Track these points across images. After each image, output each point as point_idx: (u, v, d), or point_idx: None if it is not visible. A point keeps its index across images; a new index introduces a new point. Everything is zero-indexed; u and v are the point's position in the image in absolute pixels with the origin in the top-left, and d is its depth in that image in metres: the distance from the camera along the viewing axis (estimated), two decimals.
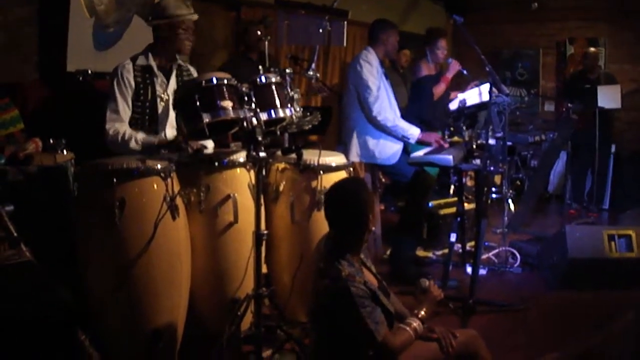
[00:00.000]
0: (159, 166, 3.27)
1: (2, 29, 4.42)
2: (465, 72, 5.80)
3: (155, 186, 3.25)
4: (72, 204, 3.45)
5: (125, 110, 3.73)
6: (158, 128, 3.82)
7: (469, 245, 5.65)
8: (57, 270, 3.12)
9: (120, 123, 3.70)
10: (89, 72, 4.72)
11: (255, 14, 6.38)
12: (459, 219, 5.12)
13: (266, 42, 4.97)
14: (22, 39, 4.55)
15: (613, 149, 8.42)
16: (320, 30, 4.71)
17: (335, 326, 2.81)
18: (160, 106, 3.82)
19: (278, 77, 3.55)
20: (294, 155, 3.58)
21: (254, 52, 5.84)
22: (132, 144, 3.67)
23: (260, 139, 3.24)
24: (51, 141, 4.08)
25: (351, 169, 4.04)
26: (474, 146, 4.89)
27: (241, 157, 3.62)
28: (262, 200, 3.38)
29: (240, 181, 3.62)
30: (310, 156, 3.77)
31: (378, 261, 5.07)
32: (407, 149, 5.19)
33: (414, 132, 5.12)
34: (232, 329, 3.34)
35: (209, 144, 4.00)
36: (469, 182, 7.48)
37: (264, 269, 3.52)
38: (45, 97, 4.59)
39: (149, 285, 3.23)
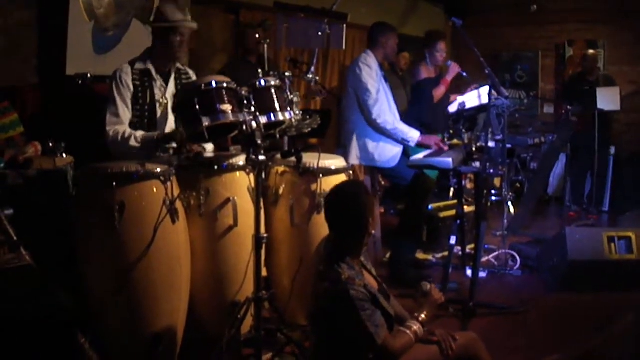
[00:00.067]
0: (158, 170, 3.27)
1: (2, 33, 4.42)
2: (464, 74, 5.80)
3: (155, 190, 3.25)
4: (72, 208, 3.45)
5: (125, 112, 3.73)
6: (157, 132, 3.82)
7: (469, 248, 5.65)
8: (57, 274, 3.12)
9: (120, 125, 3.70)
10: (89, 75, 4.71)
11: (255, 17, 6.39)
12: (458, 221, 5.12)
13: (265, 45, 4.97)
14: (21, 42, 4.55)
15: (613, 150, 8.42)
16: (320, 34, 4.71)
17: (335, 329, 2.80)
18: (159, 110, 3.82)
19: (277, 81, 3.55)
20: (293, 159, 3.58)
21: (253, 55, 5.85)
22: (132, 142, 3.65)
23: (259, 142, 3.24)
24: (51, 145, 4.08)
25: (351, 172, 4.04)
26: (474, 149, 4.88)
27: (241, 160, 3.63)
28: (261, 204, 3.38)
29: (239, 184, 3.62)
30: (310, 159, 3.77)
31: (378, 264, 5.07)
32: (406, 152, 5.19)
33: (413, 135, 5.12)
34: (232, 332, 3.34)
35: (209, 147, 4.00)
36: (469, 185, 7.48)
37: (264, 272, 3.52)
38: (45, 100, 4.59)
39: (148, 289, 3.23)
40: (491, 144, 4.72)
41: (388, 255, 5.50)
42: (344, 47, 5.18)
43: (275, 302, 3.75)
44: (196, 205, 3.52)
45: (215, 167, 3.57)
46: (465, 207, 5.53)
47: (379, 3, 7.90)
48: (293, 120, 3.64)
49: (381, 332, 2.74)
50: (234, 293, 3.59)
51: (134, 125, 3.77)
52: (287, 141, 4.34)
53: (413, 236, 5.41)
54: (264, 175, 3.50)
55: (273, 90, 3.48)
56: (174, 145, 3.67)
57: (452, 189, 7.51)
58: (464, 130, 5.14)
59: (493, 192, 7.61)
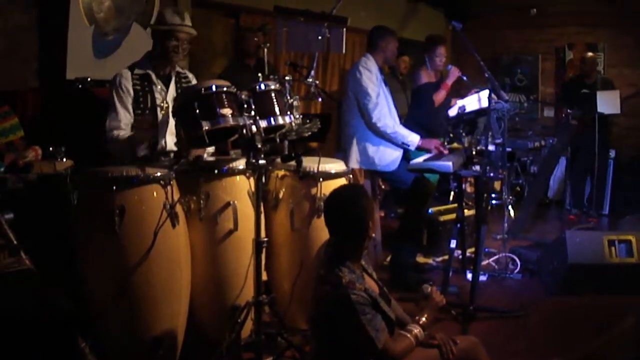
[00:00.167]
0: (158, 174, 3.28)
1: (2, 36, 4.43)
2: (465, 78, 5.81)
3: (155, 194, 3.25)
4: (72, 212, 3.45)
5: (126, 117, 3.72)
6: (158, 136, 3.82)
7: (469, 251, 5.65)
8: (57, 278, 3.12)
9: (118, 131, 3.70)
10: (89, 79, 4.72)
11: (255, 21, 6.40)
12: (458, 225, 5.11)
13: (265, 49, 4.98)
14: (21, 45, 4.55)
15: (612, 154, 8.40)
16: (319, 38, 4.71)
17: (336, 333, 2.80)
18: (160, 114, 3.82)
19: (277, 85, 3.56)
20: (293, 163, 3.58)
21: (252, 58, 5.86)
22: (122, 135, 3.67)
23: (259, 146, 3.24)
24: (51, 149, 4.09)
25: (351, 175, 4.04)
26: (474, 152, 4.89)
27: (241, 164, 3.63)
28: (262, 208, 3.38)
29: (239, 189, 3.62)
30: (310, 163, 3.77)
31: (378, 268, 5.06)
32: (406, 156, 5.19)
33: (413, 138, 5.12)
34: (232, 336, 3.34)
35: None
36: (469, 189, 7.48)
37: (264, 277, 3.52)
38: (45, 104, 4.59)
39: (149, 293, 3.23)
40: (491, 147, 4.72)
41: (388, 258, 5.49)
42: (343, 51, 5.16)
43: (275, 306, 3.75)
44: (196, 209, 3.52)
45: (215, 171, 3.57)
46: (466, 210, 5.53)
47: (378, 7, 7.92)
48: (293, 124, 3.64)
49: (381, 336, 2.74)
50: (234, 297, 3.59)
51: (135, 130, 3.77)
52: (287, 145, 4.33)
53: (413, 240, 5.41)
54: (264, 179, 3.50)
55: (273, 94, 3.48)
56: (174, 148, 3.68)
57: (452, 193, 7.50)
58: (464, 134, 5.14)
59: (493, 195, 7.60)
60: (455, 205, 5.71)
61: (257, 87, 3.44)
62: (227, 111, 3.21)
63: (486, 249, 5.91)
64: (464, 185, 6.18)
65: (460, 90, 6.24)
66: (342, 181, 3.88)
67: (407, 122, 5.62)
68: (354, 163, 5.20)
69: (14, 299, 2.89)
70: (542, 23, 9.57)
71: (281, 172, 3.88)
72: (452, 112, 5.37)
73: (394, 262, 5.27)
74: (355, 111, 5.17)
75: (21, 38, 4.54)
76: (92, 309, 3.24)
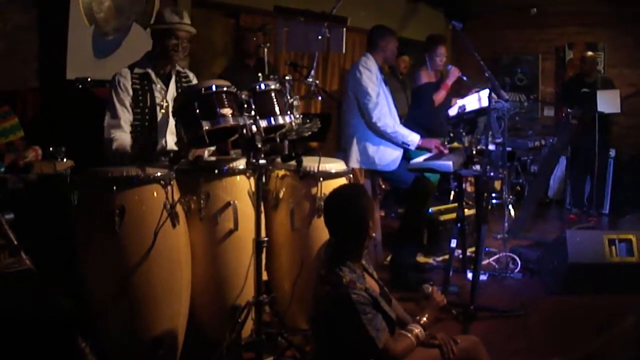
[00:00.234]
0: (159, 174, 3.27)
1: (2, 36, 4.43)
2: (465, 78, 5.81)
3: (155, 194, 3.25)
4: (72, 212, 3.45)
5: (124, 116, 3.72)
6: (158, 135, 3.82)
7: (470, 251, 5.65)
8: (57, 278, 3.12)
9: (116, 130, 3.69)
10: (89, 79, 4.72)
11: (255, 21, 6.40)
12: (459, 224, 5.12)
13: (265, 49, 4.98)
14: (21, 45, 4.55)
15: (613, 153, 8.40)
16: (319, 37, 4.71)
17: (336, 333, 2.80)
18: (160, 113, 3.82)
19: (277, 84, 3.55)
20: (293, 162, 3.58)
21: (252, 58, 5.86)
22: (113, 146, 3.66)
23: (259, 146, 3.24)
24: (51, 149, 4.09)
25: (351, 175, 4.04)
26: (474, 152, 4.89)
27: (241, 164, 3.63)
28: (262, 208, 3.38)
29: (240, 188, 3.62)
30: (310, 163, 3.77)
31: (379, 267, 5.06)
32: (407, 156, 5.19)
33: (413, 138, 5.12)
34: (232, 336, 3.34)
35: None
36: (469, 188, 7.49)
37: (265, 276, 3.52)
38: (45, 104, 4.59)
39: (149, 293, 3.23)
40: (491, 147, 4.72)
41: (389, 258, 5.49)
42: (343, 50, 5.16)
43: (275, 306, 3.75)
44: (196, 209, 3.52)
45: (216, 171, 3.57)
46: (466, 210, 5.53)
47: (378, 6, 7.92)
48: (293, 123, 3.63)
49: (382, 335, 2.73)
50: (234, 297, 3.59)
51: (134, 129, 3.77)
52: (287, 145, 4.33)
53: (414, 239, 5.41)
54: (264, 179, 3.50)
55: (273, 94, 3.48)
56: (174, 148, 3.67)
57: (452, 192, 7.51)
58: (464, 134, 5.14)
59: (493, 195, 7.60)
60: (456, 204, 5.71)
61: (257, 87, 3.44)
62: (227, 111, 3.21)
63: (486, 249, 5.91)
64: (464, 185, 6.19)
65: (461, 89, 6.24)
66: (343, 181, 3.88)
67: (407, 121, 5.62)
68: (354, 163, 5.20)
69: (15, 299, 2.89)
70: (542, 23, 9.57)
71: (281, 172, 3.88)
72: (452, 111, 5.37)
73: (395, 262, 5.27)
74: (356, 111, 5.17)
75: (21, 38, 4.54)
76: (92, 309, 3.24)
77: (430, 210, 6.08)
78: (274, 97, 3.47)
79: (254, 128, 3.28)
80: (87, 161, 3.68)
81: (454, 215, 5.61)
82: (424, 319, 2.96)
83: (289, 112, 3.57)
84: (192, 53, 4.83)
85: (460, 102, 5.34)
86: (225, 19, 6.62)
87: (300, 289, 3.73)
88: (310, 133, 4.04)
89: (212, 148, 4.00)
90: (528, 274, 5.54)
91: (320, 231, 3.55)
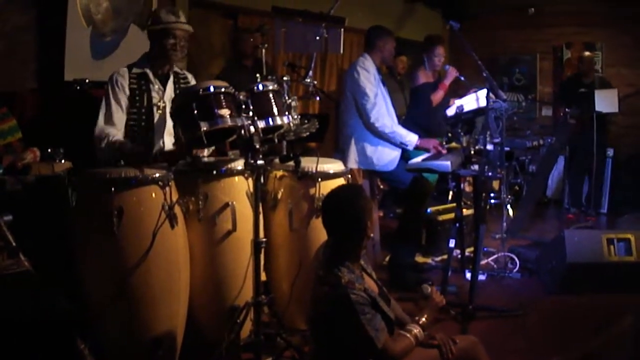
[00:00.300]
0: (157, 175, 3.27)
1: (1, 37, 4.43)
2: (462, 78, 5.81)
3: (153, 195, 3.24)
4: (70, 213, 3.45)
5: (118, 115, 3.70)
6: (155, 136, 3.82)
7: (468, 251, 5.64)
8: (56, 279, 3.12)
9: (110, 127, 3.68)
10: (87, 81, 4.72)
11: (253, 22, 6.40)
12: (457, 224, 5.11)
13: (263, 50, 4.98)
14: (20, 46, 4.55)
15: (611, 153, 8.41)
16: (317, 38, 4.71)
17: (335, 333, 2.80)
18: (157, 113, 3.81)
19: (275, 85, 3.56)
20: (292, 163, 3.58)
21: (249, 59, 5.85)
22: (103, 144, 3.63)
23: (258, 146, 3.24)
24: (49, 150, 4.09)
25: (349, 175, 4.04)
26: (472, 152, 4.89)
27: (239, 165, 3.63)
28: (260, 208, 3.38)
29: (238, 189, 3.62)
30: (308, 163, 3.77)
31: (377, 268, 5.05)
32: (405, 156, 5.19)
33: (412, 138, 5.12)
34: (231, 336, 3.34)
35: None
36: (467, 188, 7.48)
37: (263, 277, 3.51)
38: (43, 106, 4.59)
39: (147, 294, 3.23)
40: (489, 146, 4.72)
41: (387, 258, 5.49)
42: (341, 51, 5.17)
43: (274, 306, 3.76)
44: (195, 210, 3.52)
45: (214, 172, 3.57)
46: (464, 210, 5.52)
47: (376, 7, 7.92)
48: (291, 124, 3.64)
49: (381, 336, 2.74)
50: (233, 298, 3.59)
51: (130, 130, 3.76)
52: (286, 145, 4.34)
53: (412, 239, 5.41)
54: (262, 180, 3.50)
55: (271, 95, 3.48)
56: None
57: (450, 192, 7.51)
58: (462, 134, 5.15)
59: (492, 195, 7.62)
60: (454, 204, 5.71)
61: (255, 87, 3.44)
62: (225, 112, 3.21)
63: (485, 249, 5.92)
64: (462, 185, 6.18)
65: (459, 90, 6.24)
66: (341, 181, 3.88)
67: (406, 122, 5.62)
68: (353, 163, 5.20)
69: (13, 300, 2.88)
70: (540, 23, 9.57)
71: (280, 173, 3.88)
72: (450, 111, 5.38)
73: (393, 262, 5.27)
74: (354, 111, 5.17)
75: (20, 39, 4.54)
76: (91, 310, 3.24)
77: (428, 211, 6.08)
78: (272, 98, 3.48)
79: (252, 129, 3.28)
80: (85, 162, 3.67)
81: (452, 215, 5.61)
82: (423, 319, 2.96)
83: (287, 113, 3.58)
84: (190, 54, 4.82)
85: (458, 102, 5.34)
86: (223, 20, 6.62)
87: (298, 289, 3.73)
88: (308, 134, 4.05)
89: (212, 148, 4.00)
90: (526, 274, 5.54)
91: (319, 232, 3.55)
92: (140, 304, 3.22)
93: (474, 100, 5.14)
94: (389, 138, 5.11)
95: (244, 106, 3.32)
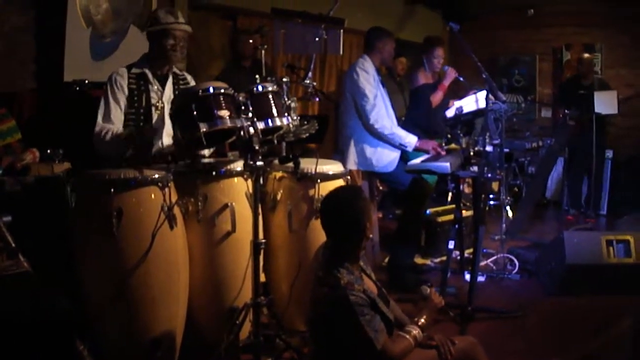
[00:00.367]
0: (156, 176, 3.27)
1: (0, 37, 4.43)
2: (461, 79, 5.81)
3: (152, 196, 3.25)
4: (70, 214, 3.45)
5: (117, 114, 3.71)
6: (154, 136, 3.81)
7: (467, 252, 5.64)
8: (55, 280, 3.12)
9: (107, 124, 3.68)
10: (86, 82, 4.72)
11: (252, 23, 6.39)
12: (456, 226, 5.11)
13: (262, 51, 4.98)
14: (19, 47, 4.55)
15: (610, 154, 8.41)
16: (317, 39, 4.72)
17: (334, 335, 2.80)
18: (156, 114, 3.81)
19: (275, 86, 3.56)
20: (291, 164, 3.59)
21: (248, 60, 5.85)
22: (107, 137, 3.64)
23: (257, 147, 3.24)
24: (48, 151, 4.08)
25: (348, 177, 4.04)
26: (471, 153, 4.88)
27: (238, 166, 3.63)
28: (259, 209, 3.38)
29: (237, 190, 3.63)
30: (308, 165, 3.77)
31: (376, 269, 5.03)
32: (404, 157, 5.19)
33: (411, 140, 5.12)
34: (230, 338, 3.34)
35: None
36: (467, 189, 7.49)
37: (262, 278, 3.51)
38: (43, 107, 4.59)
39: (146, 295, 3.23)
40: (489, 148, 4.73)
41: (386, 260, 5.49)
42: (341, 52, 5.19)
43: (273, 307, 3.75)
44: (194, 211, 3.52)
45: (213, 173, 3.57)
46: (464, 211, 5.52)
47: (375, 8, 7.92)
48: (291, 125, 3.64)
49: (380, 337, 2.74)
50: (232, 299, 3.59)
51: (129, 129, 3.76)
52: (285, 147, 4.34)
53: (411, 241, 5.41)
54: (261, 181, 3.50)
55: (270, 96, 3.49)
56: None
57: (450, 194, 7.51)
58: (461, 135, 5.14)
59: (491, 196, 7.62)
60: (453, 206, 5.71)
61: (255, 88, 3.45)
62: (224, 113, 3.22)
63: (484, 250, 5.92)
64: (461, 186, 6.19)
65: (458, 91, 6.24)
66: (340, 182, 3.88)
67: (405, 123, 5.63)
68: (352, 164, 5.20)
69: (12, 301, 2.88)
70: (539, 23, 9.57)
71: (279, 174, 3.89)
72: (450, 113, 5.38)
73: (392, 263, 5.27)
74: (353, 112, 5.17)
75: (19, 39, 4.54)
76: (90, 311, 3.24)
77: (427, 212, 6.07)
78: (271, 99, 3.48)
79: (251, 130, 3.28)
80: (85, 163, 3.67)
81: (451, 216, 5.61)
82: (422, 320, 2.96)
83: (286, 114, 3.58)
84: (189, 55, 4.82)
85: (457, 103, 5.34)
86: (223, 21, 6.61)
87: (298, 290, 3.73)
88: (307, 135, 4.06)
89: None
90: (526, 275, 5.54)
91: (318, 233, 3.54)
92: (140, 305, 3.22)
93: (473, 102, 5.14)
94: (388, 139, 5.11)
95: (243, 107, 3.32)
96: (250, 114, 3.33)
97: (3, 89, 4.36)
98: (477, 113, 5.10)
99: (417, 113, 5.94)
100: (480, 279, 5.29)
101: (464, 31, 5.12)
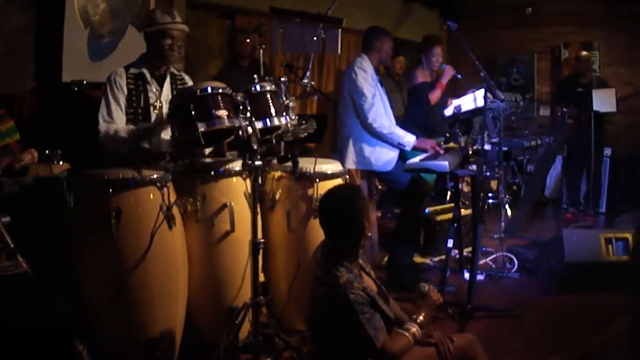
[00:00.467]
0: (155, 176, 3.28)
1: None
2: (459, 76, 5.81)
3: (151, 196, 3.25)
4: (68, 215, 3.45)
5: (118, 114, 3.70)
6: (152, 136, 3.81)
7: (466, 251, 5.64)
8: (54, 281, 3.12)
9: (112, 124, 3.69)
10: (84, 82, 4.72)
11: (250, 22, 6.39)
12: (455, 224, 5.11)
13: (261, 51, 4.97)
14: (18, 47, 4.55)
15: (608, 152, 8.41)
16: (315, 38, 4.72)
17: (334, 333, 2.80)
18: (154, 113, 3.81)
19: (273, 86, 3.56)
20: (290, 164, 3.59)
21: (246, 60, 5.85)
22: (121, 134, 3.64)
23: (255, 147, 3.25)
24: (47, 152, 4.08)
25: (347, 176, 4.04)
26: (470, 152, 4.88)
27: (237, 165, 3.63)
28: (258, 209, 3.38)
29: (236, 190, 3.63)
30: (306, 164, 3.78)
31: (375, 268, 5.02)
32: (403, 156, 5.19)
33: (409, 139, 5.11)
34: (229, 337, 3.34)
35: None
36: (466, 188, 7.47)
37: (261, 278, 3.52)
38: (41, 107, 4.59)
39: (145, 295, 3.23)
40: (487, 146, 4.73)
41: (385, 259, 5.50)
42: (339, 51, 5.17)
43: (272, 307, 3.75)
44: (193, 211, 3.52)
45: (212, 173, 3.57)
46: (462, 210, 5.52)
47: (373, 7, 7.92)
48: (289, 125, 3.64)
49: (380, 335, 2.74)
50: (231, 298, 3.59)
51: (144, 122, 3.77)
52: (283, 146, 4.34)
53: (410, 240, 5.41)
54: (260, 181, 3.50)
55: (268, 96, 3.48)
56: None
57: (448, 192, 7.52)
58: (460, 134, 5.15)
59: (490, 194, 7.61)
60: (452, 204, 5.72)
61: (253, 88, 3.44)
62: (222, 113, 3.22)
63: (483, 248, 5.92)
64: (460, 185, 6.18)
65: (456, 90, 6.25)
66: (339, 182, 3.89)
67: (403, 122, 5.62)
68: (350, 163, 5.20)
69: (11, 302, 2.88)
70: (538, 22, 9.57)
71: (277, 173, 3.89)
72: (448, 111, 5.38)
73: (391, 262, 5.27)
74: (351, 112, 5.17)
75: (18, 40, 4.54)
76: (89, 311, 3.24)
77: (426, 211, 6.08)
78: (269, 99, 3.48)
79: (249, 129, 3.29)
80: (83, 164, 3.67)
81: (450, 215, 5.62)
82: (421, 317, 2.96)
83: (284, 114, 3.58)
84: (187, 54, 4.83)
85: (455, 102, 5.34)
86: (221, 20, 6.61)
87: (297, 290, 3.74)
88: (306, 134, 4.05)
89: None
90: (525, 274, 5.54)
91: (317, 232, 3.54)
92: (139, 305, 3.22)
93: (471, 100, 5.15)
94: (386, 138, 5.11)
95: (241, 107, 3.32)
96: (248, 114, 3.32)
97: (3, 89, 4.36)
98: (476, 112, 5.11)
99: (415, 112, 5.95)
100: (480, 277, 5.29)
101: (461, 30, 5.12)
